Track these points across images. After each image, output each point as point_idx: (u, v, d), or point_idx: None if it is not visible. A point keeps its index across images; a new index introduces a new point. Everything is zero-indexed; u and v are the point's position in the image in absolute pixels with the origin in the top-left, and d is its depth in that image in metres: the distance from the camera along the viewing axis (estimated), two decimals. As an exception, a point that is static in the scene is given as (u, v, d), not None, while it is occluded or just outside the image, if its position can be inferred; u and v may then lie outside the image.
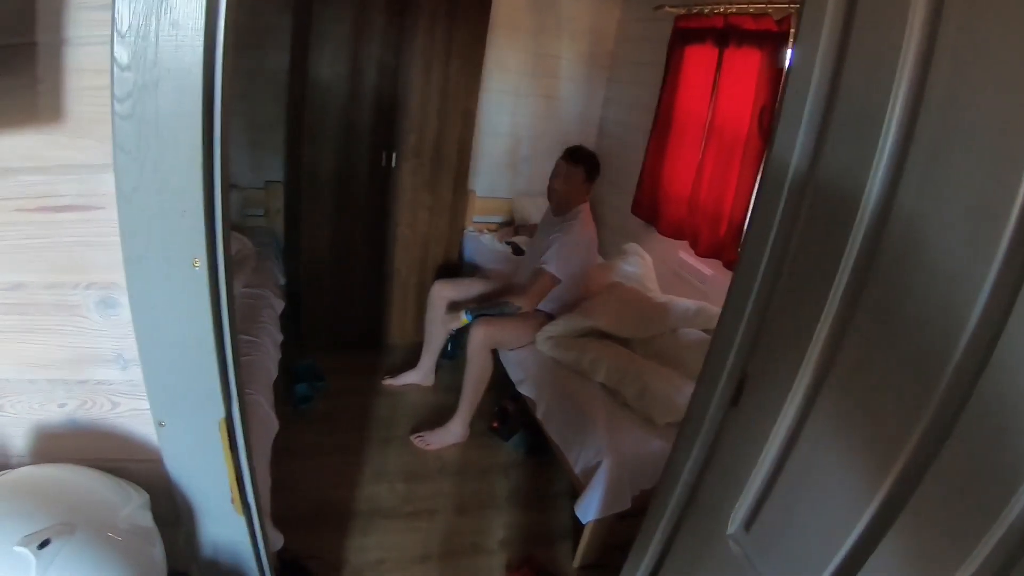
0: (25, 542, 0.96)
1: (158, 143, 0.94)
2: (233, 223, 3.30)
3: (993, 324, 0.75)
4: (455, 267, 3.79)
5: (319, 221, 3.37)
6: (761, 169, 1.29)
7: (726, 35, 2.99)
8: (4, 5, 0.92)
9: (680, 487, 1.48)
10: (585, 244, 3.10)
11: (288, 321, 3.32)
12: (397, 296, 3.71)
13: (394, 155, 3.33)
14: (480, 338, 2.90)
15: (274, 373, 2.63)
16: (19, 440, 1.23)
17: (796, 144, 1.11)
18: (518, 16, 3.98)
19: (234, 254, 3.01)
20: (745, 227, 1.28)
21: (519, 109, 4.22)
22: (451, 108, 3.36)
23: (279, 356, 2.80)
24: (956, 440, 0.79)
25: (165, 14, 0.89)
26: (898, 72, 0.88)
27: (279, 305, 3.13)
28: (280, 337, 2.91)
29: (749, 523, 1.23)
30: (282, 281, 3.43)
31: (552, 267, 2.96)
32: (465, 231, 4.11)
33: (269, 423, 2.29)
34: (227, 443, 1.18)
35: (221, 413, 1.16)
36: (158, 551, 1.16)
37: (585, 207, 3.11)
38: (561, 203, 3.09)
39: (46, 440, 1.23)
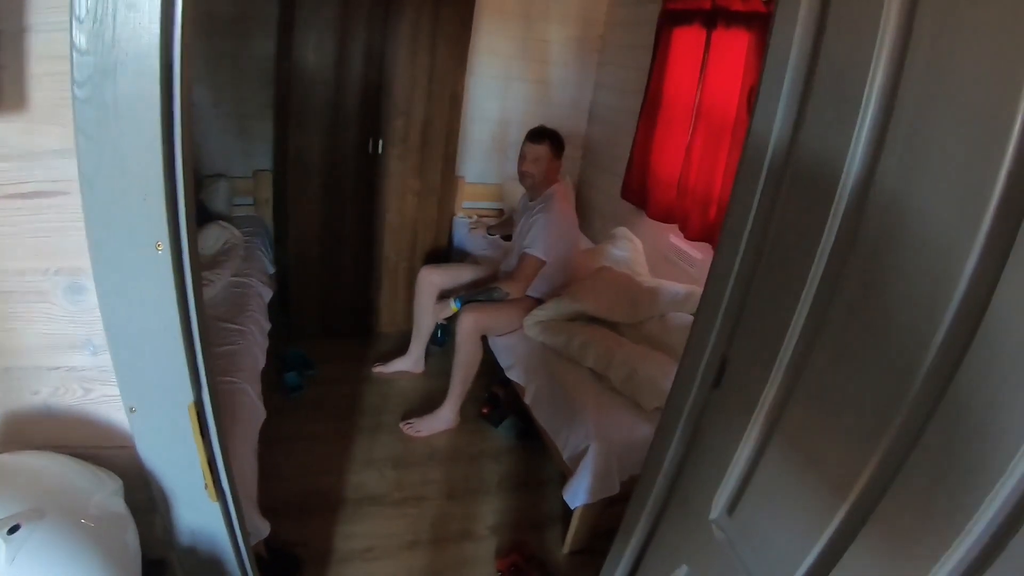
0: None
1: (118, 127, 0.93)
2: (221, 213, 3.38)
3: (979, 298, 0.74)
4: (444, 253, 3.79)
5: (307, 209, 3.36)
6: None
7: (714, 16, 2.97)
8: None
9: (663, 472, 1.48)
10: (567, 223, 3.10)
11: (278, 309, 3.32)
12: (386, 283, 3.71)
13: (381, 141, 3.32)
14: (469, 325, 2.90)
15: (262, 361, 2.63)
16: (-6, 429, 1.23)
17: (775, 121, 1.10)
18: (506, 0, 3.96)
19: (222, 244, 3.07)
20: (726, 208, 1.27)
21: (508, 94, 4.20)
22: (438, 93, 3.34)
23: (267, 344, 2.80)
24: (941, 417, 0.79)
25: (121, -4, 0.88)
26: (878, 43, 0.87)
27: (267, 294, 3.13)
28: (268, 325, 2.91)
29: (731, 508, 1.23)
30: (271, 270, 3.43)
31: (536, 250, 2.96)
32: (454, 217, 4.10)
33: (256, 411, 2.29)
34: (197, 428, 1.17)
35: (190, 398, 1.15)
36: (131, 537, 1.16)
37: (559, 187, 3.11)
38: (536, 185, 3.09)
39: (21, 427, 1.23)
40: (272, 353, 2.86)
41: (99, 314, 1.11)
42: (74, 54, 0.90)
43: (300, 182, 3.29)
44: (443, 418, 3.05)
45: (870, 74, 0.89)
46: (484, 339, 3.03)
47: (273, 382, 3.06)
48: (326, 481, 2.66)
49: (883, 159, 0.88)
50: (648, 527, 1.58)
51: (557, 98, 4.32)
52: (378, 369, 3.46)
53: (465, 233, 3.98)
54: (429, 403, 3.13)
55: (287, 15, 3.08)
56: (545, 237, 2.96)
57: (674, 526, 1.46)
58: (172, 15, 0.91)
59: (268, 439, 2.36)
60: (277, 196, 3.61)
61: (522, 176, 3.11)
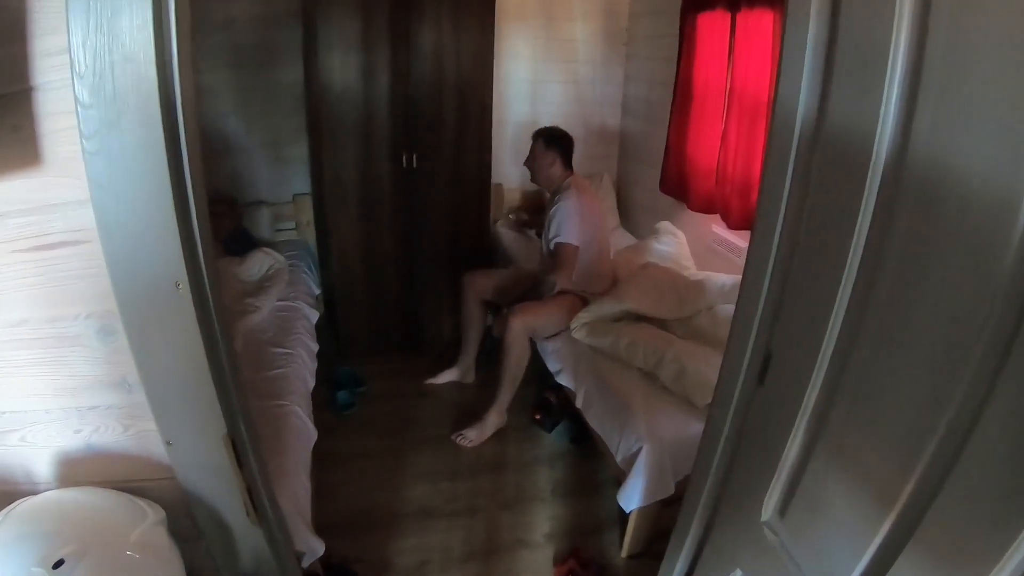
0: (40, 563, 1.02)
1: (128, 175, 0.96)
2: (265, 239, 3.46)
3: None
4: (487, 261, 3.80)
5: (347, 228, 3.41)
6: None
7: (736, -2, 2.90)
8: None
9: (713, 473, 1.45)
10: (586, 209, 3.09)
11: (326, 329, 3.38)
12: (431, 296, 3.74)
13: (414, 156, 3.35)
14: (518, 326, 2.92)
15: (311, 383, 2.68)
16: (43, 467, 1.28)
17: (799, 98, 1.05)
18: (525, 3, 3.95)
19: (267, 269, 3.14)
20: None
21: (539, 97, 4.19)
22: (466, 102, 3.36)
23: (315, 365, 2.85)
24: (1000, 397, 0.73)
25: (118, 50, 0.90)
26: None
27: (314, 315, 3.19)
28: (315, 347, 2.96)
29: (783, 509, 1.19)
30: (317, 291, 3.50)
31: (564, 236, 2.98)
32: (496, 224, 4.11)
33: (306, 432, 2.33)
34: (234, 458, 1.20)
35: (224, 429, 1.18)
36: (175, 566, 1.20)
37: (574, 179, 3.14)
38: (543, 180, 3.19)
39: (68, 465, 1.28)
40: (322, 373, 2.90)
41: (130, 354, 1.14)
42: (79, 109, 0.94)
43: (338, 202, 3.34)
44: (491, 422, 3.07)
45: (894, 29, 0.84)
46: (532, 343, 3.04)
47: (324, 401, 3.11)
48: (380, 496, 2.69)
49: (916, 120, 0.82)
50: (701, 530, 1.54)
51: (588, 96, 4.28)
52: (429, 381, 3.49)
53: (510, 238, 3.98)
54: (480, 413, 3.13)
55: (310, 39, 3.14)
56: (568, 223, 2.98)
57: (727, 529, 1.43)
58: (168, 61, 0.94)
59: (321, 458, 2.40)
60: (318, 218, 3.67)
61: (531, 174, 3.23)
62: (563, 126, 4.12)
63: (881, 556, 0.92)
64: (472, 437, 3.04)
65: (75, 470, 1.29)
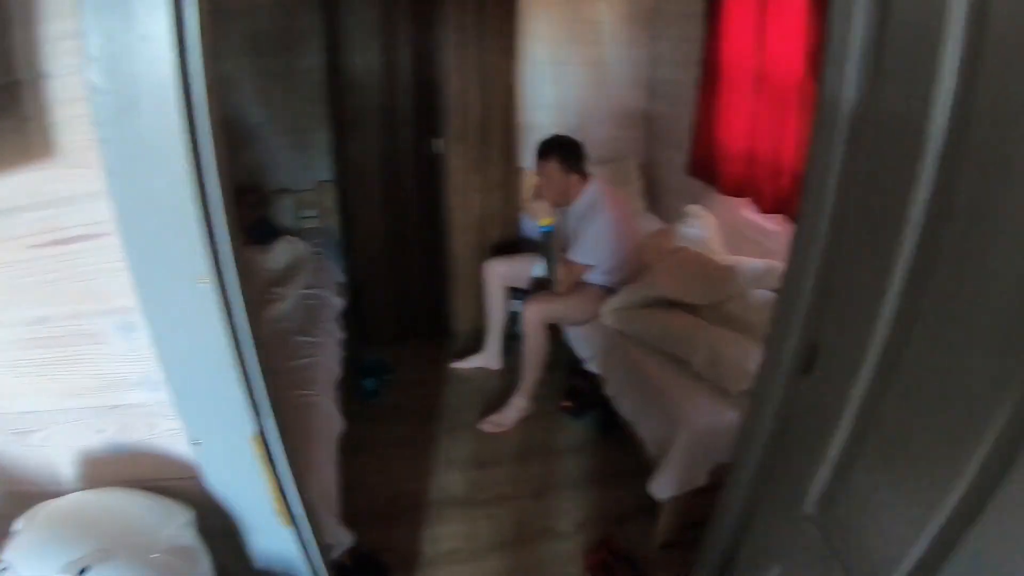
0: (65, 570, 1.00)
1: (145, 163, 0.92)
2: (289, 227, 3.44)
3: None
4: (513, 246, 3.73)
5: (372, 215, 3.39)
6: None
7: (767, -26, 2.81)
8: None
9: (753, 462, 1.41)
10: (616, 228, 2.97)
11: (352, 317, 3.35)
12: (457, 281, 3.69)
13: (439, 140, 3.30)
14: (534, 315, 2.90)
15: (337, 371, 2.65)
16: (66, 468, 1.27)
17: (846, 78, 1.00)
18: (547, -16, 3.86)
19: (292, 258, 3.11)
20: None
21: (562, 79, 4.08)
22: (491, 86, 3.29)
23: (342, 354, 2.82)
24: None
25: (133, 29, 0.86)
26: None
27: (340, 303, 3.16)
28: (342, 335, 2.93)
29: (827, 503, 1.15)
30: (342, 279, 3.46)
31: (580, 257, 2.91)
32: (521, 209, 4.04)
33: (333, 422, 2.31)
34: (264, 458, 1.16)
35: (252, 429, 1.14)
36: (203, 567, 1.18)
37: (595, 188, 2.99)
38: (557, 200, 2.98)
39: (92, 466, 1.26)
40: (348, 360, 2.88)
41: (153, 351, 1.11)
42: (93, 94, 0.90)
43: (362, 189, 3.32)
44: (517, 406, 3.04)
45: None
46: (557, 329, 3.01)
47: (351, 389, 3.09)
48: (409, 485, 2.66)
49: (977, 100, 0.76)
50: (739, 520, 1.51)
51: (613, 77, 4.18)
52: (455, 364, 3.48)
53: (534, 225, 3.91)
54: (508, 399, 3.10)
55: (332, 25, 3.10)
56: (592, 247, 2.90)
57: (765, 523, 1.39)
58: (187, 39, 0.89)
59: (349, 447, 2.37)
60: (342, 205, 3.64)
61: (537, 192, 3.00)
62: (587, 109, 4.06)
63: (933, 552, 0.87)
64: (498, 422, 3.01)
65: (99, 470, 1.27)
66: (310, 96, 3.61)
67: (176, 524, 1.17)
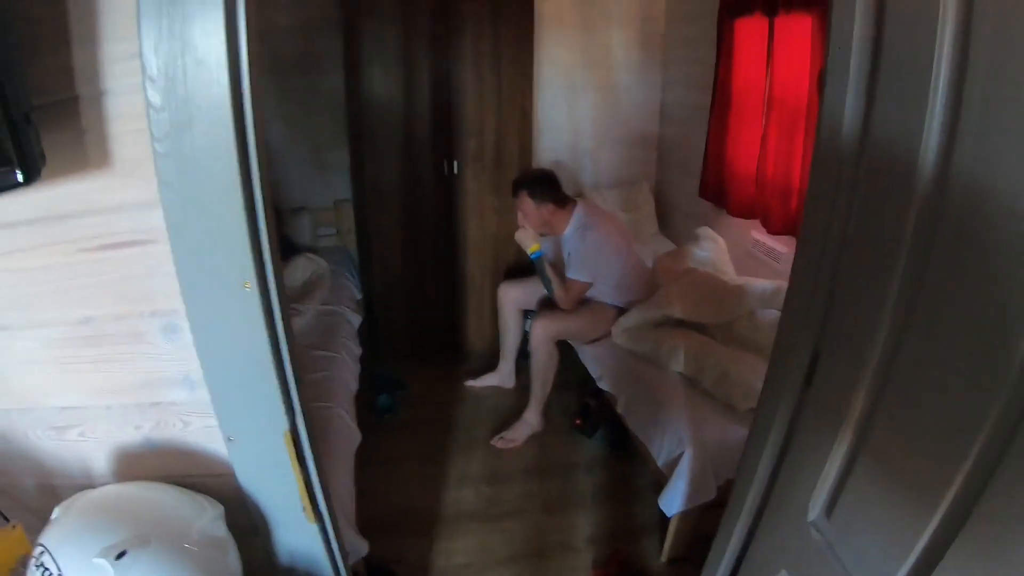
0: (103, 554, 1.04)
1: (198, 176, 1.00)
2: (307, 244, 3.52)
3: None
4: (527, 267, 3.80)
5: (389, 234, 3.46)
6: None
7: (774, 3, 2.88)
8: (48, 65, 0.99)
9: (759, 474, 1.44)
10: (606, 242, 3.03)
11: (367, 333, 3.41)
12: (472, 300, 3.76)
13: (456, 162, 3.38)
14: (541, 331, 2.96)
15: (354, 386, 2.72)
16: (101, 462, 1.33)
17: (845, 106, 1.06)
18: (563, 10, 3.96)
19: (309, 275, 3.18)
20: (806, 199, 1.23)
21: (575, 103, 4.18)
22: (507, 109, 3.38)
23: (359, 369, 2.89)
24: None
25: (190, 54, 0.94)
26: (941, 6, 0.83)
27: (356, 319, 3.23)
28: (359, 351, 3.00)
29: (829, 509, 1.18)
30: (358, 296, 3.54)
31: (575, 274, 2.98)
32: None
33: (350, 434, 2.36)
34: (294, 454, 1.23)
35: (285, 426, 1.21)
36: (233, 560, 1.23)
37: (581, 209, 3.06)
38: (542, 230, 3.08)
39: (126, 461, 1.32)
40: (363, 376, 2.94)
41: (195, 351, 1.18)
42: (151, 112, 0.97)
43: (380, 208, 3.40)
44: (528, 422, 3.09)
45: (936, 42, 0.84)
46: (569, 349, 3.06)
47: (366, 404, 3.14)
48: (422, 498, 2.71)
49: (958, 138, 0.83)
50: (745, 532, 1.53)
51: (626, 102, 4.28)
52: (470, 383, 3.53)
53: (546, 248, 3.97)
54: (520, 417, 3.15)
55: (352, 47, 3.18)
56: (591, 264, 2.98)
57: (772, 530, 1.42)
58: (239, 65, 0.97)
59: (364, 460, 2.43)
60: (359, 224, 3.71)
61: (521, 222, 3.11)
62: (600, 132, 4.14)
63: (927, 553, 0.91)
64: (509, 438, 3.06)
65: (132, 465, 1.32)
66: (329, 116, 3.71)
67: (208, 517, 1.22)
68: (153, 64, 0.94)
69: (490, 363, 3.59)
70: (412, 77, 3.19)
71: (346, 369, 2.71)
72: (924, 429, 0.93)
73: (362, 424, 2.49)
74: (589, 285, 3.00)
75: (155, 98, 0.96)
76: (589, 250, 2.96)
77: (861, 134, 1.04)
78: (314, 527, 1.35)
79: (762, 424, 1.41)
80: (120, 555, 1.05)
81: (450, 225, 3.54)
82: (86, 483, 1.32)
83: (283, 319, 1.14)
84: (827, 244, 1.15)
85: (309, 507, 1.30)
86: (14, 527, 1.20)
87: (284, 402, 1.19)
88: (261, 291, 1.08)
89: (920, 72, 0.87)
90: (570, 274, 2.99)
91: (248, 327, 1.10)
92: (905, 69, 0.92)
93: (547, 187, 3.02)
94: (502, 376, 3.51)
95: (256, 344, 1.12)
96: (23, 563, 1.18)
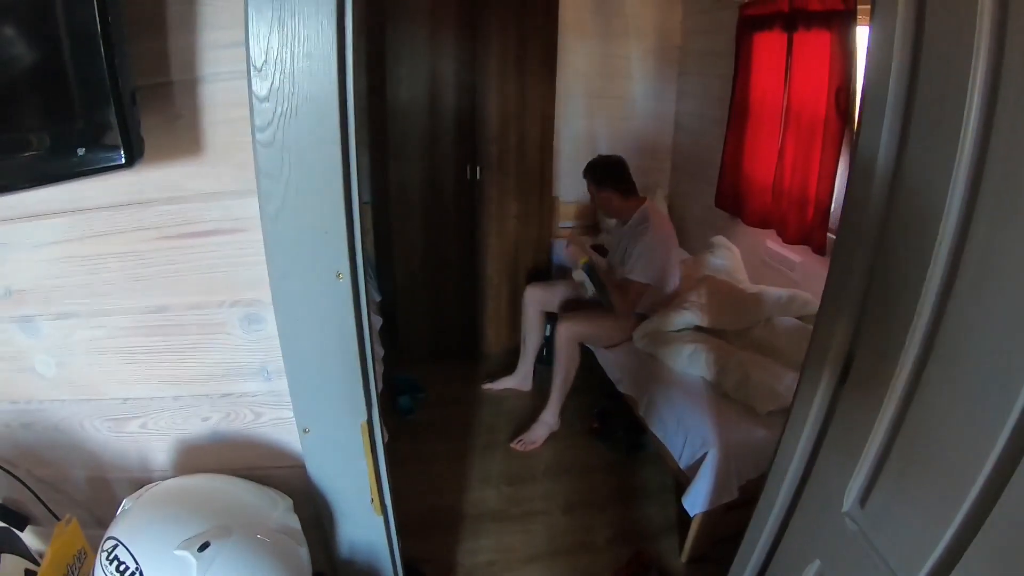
0: (185, 546, 1.02)
1: (299, 167, 1.01)
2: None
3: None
4: (545, 272, 3.85)
5: (410, 237, 3.48)
6: (848, 156, 1.29)
7: (793, 19, 2.95)
8: (145, 49, 0.99)
9: (792, 470, 1.48)
10: (664, 245, 3.06)
11: (387, 336, 3.42)
12: (491, 304, 3.78)
13: (478, 168, 3.41)
14: (565, 334, 2.99)
15: (379, 386, 2.72)
16: (161, 455, 1.31)
17: (881, 136, 1.11)
18: (583, 20, 4.01)
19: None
20: (839, 216, 1.28)
21: (593, 112, 4.24)
22: (529, 116, 3.41)
23: (382, 370, 2.90)
24: None
25: (299, 46, 0.95)
26: (973, 59, 0.89)
27: (377, 322, 3.22)
28: (382, 352, 3.00)
29: (864, 499, 1.22)
30: (378, 298, 3.54)
31: (637, 275, 2.95)
32: (553, 239, 4.13)
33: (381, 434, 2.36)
34: (368, 445, 1.24)
35: (363, 416, 1.22)
36: (305, 552, 1.22)
37: (648, 206, 3.07)
38: (613, 215, 3.19)
39: (187, 453, 1.31)
40: (384, 378, 2.95)
41: (274, 342, 1.17)
42: (254, 101, 0.98)
43: (402, 212, 3.42)
44: (546, 422, 3.11)
45: (968, 88, 0.90)
46: (582, 349, 3.10)
47: (387, 406, 3.15)
48: (445, 499, 2.72)
49: (978, 202, 0.90)
50: (777, 526, 1.57)
51: (641, 112, 4.33)
52: (487, 385, 3.54)
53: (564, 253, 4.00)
54: (537, 419, 3.16)
55: (377, 53, 3.21)
56: (645, 263, 2.94)
57: (805, 522, 1.45)
58: (344, 59, 0.99)
59: (388, 460, 2.42)
60: (380, 227, 3.73)
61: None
62: (617, 141, 4.16)
63: (957, 540, 0.95)
64: (528, 440, 3.08)
65: (196, 457, 1.31)
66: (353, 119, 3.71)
67: (281, 508, 1.22)
68: (260, 54, 0.95)
69: (506, 366, 3.61)
70: (437, 83, 3.22)
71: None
72: (955, 422, 0.98)
73: (385, 425, 2.50)
74: (647, 287, 2.98)
75: (260, 88, 0.97)
76: (653, 245, 2.96)
77: (893, 172, 1.11)
78: (379, 520, 1.36)
79: (797, 419, 1.45)
80: (203, 547, 1.03)
81: (471, 229, 3.56)
82: (143, 476, 1.31)
83: (368, 311, 1.16)
84: (861, 258, 1.22)
85: (377, 499, 1.31)
86: (69, 521, 1.17)
87: (364, 393, 1.20)
88: (352, 281, 1.09)
89: (952, 112, 0.94)
90: (632, 274, 2.96)
91: (338, 318, 1.12)
92: (937, 115, 0.98)
93: (609, 173, 3.07)
94: (519, 379, 3.52)
95: (344, 335, 1.13)
96: (80, 558, 1.17)
